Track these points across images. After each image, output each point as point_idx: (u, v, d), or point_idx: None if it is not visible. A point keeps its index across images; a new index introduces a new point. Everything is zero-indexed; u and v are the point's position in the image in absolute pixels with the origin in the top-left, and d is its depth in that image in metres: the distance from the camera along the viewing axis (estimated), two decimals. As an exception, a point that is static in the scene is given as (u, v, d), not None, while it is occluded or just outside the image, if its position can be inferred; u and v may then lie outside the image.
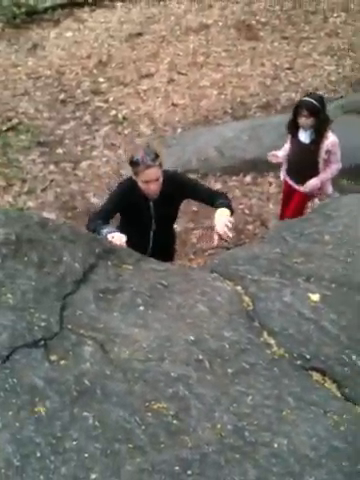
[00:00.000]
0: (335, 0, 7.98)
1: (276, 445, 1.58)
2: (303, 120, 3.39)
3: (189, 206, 4.22)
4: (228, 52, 7.14)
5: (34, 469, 1.47)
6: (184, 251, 4.14)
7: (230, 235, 2.45)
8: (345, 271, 2.13)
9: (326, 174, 3.52)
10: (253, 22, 7.66)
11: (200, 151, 5.29)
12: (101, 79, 6.61)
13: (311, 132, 3.44)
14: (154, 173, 2.65)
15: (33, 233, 2.11)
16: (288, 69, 6.73)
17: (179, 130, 5.81)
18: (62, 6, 8.04)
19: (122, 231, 2.64)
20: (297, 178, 3.67)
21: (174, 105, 6.21)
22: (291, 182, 3.76)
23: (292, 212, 3.65)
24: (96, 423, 1.58)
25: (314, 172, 3.51)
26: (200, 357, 1.81)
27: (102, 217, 2.70)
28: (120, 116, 5.93)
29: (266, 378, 1.76)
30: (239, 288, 2.11)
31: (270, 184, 4.99)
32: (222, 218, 2.54)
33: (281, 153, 3.70)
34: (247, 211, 4.68)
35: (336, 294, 2.03)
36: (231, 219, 2.55)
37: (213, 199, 2.77)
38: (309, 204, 3.99)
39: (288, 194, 3.85)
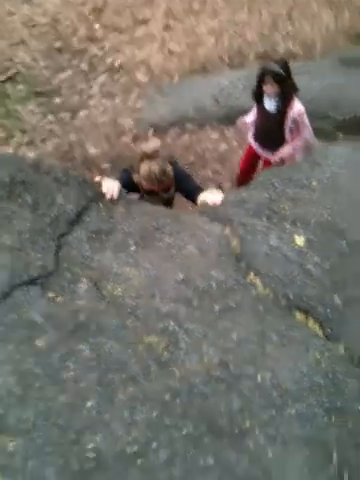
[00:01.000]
0: None
1: (260, 378, 1.68)
2: (268, 87, 3.21)
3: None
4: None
5: (34, 398, 1.57)
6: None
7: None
8: (330, 217, 2.20)
9: (295, 143, 3.38)
10: (252, -32, 7.42)
11: (197, 100, 5.25)
12: (97, 26, 6.44)
13: (276, 100, 3.28)
14: (165, 195, 2.61)
15: (26, 175, 2.15)
16: (286, 19, 6.58)
17: (176, 78, 5.74)
18: None
19: None
20: (263, 145, 3.55)
21: (170, 52, 6.10)
22: (258, 148, 3.63)
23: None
24: (92, 355, 1.68)
25: (280, 141, 3.40)
26: (189, 295, 1.90)
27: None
28: (116, 64, 5.84)
29: (251, 315, 1.85)
30: (227, 230, 2.18)
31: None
32: (214, 196, 2.48)
33: (249, 119, 3.57)
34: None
35: (321, 238, 2.10)
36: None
37: (194, 192, 2.70)
38: None
39: (252, 159, 3.74)
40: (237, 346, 1.76)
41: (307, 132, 3.36)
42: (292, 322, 1.86)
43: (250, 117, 3.56)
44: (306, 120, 3.33)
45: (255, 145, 3.64)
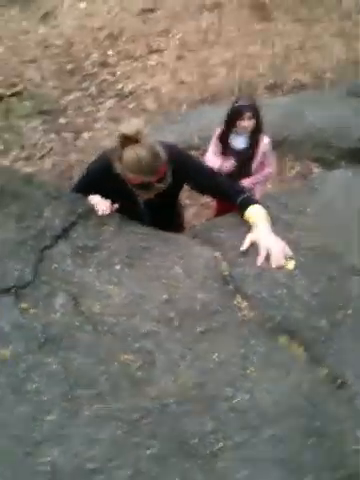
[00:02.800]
0: (350, -17, 7.86)
1: (237, 400, 1.61)
2: (245, 123, 3.18)
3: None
4: (240, 32, 7.07)
5: (-8, 406, 1.49)
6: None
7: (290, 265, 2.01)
8: (323, 242, 2.13)
9: (259, 177, 3.36)
10: (267, 2, 7.55)
11: (203, 128, 5.26)
12: (110, 52, 6.60)
13: (247, 136, 3.26)
14: (152, 193, 2.15)
15: (17, 187, 2.13)
16: (298, 50, 6.66)
17: (184, 107, 5.79)
18: (78, -23, 8.00)
19: None
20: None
21: (181, 82, 6.19)
22: None
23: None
24: (60, 369, 1.61)
25: (247, 176, 3.35)
26: (171, 315, 1.83)
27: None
28: (126, 90, 5.93)
29: (234, 338, 1.78)
30: (218, 253, 2.13)
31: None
32: (272, 244, 2.03)
33: (216, 164, 3.34)
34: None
35: (311, 263, 2.04)
36: (287, 249, 2.04)
37: (230, 195, 2.24)
38: None
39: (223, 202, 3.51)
40: (216, 368, 1.69)
41: (272, 164, 3.38)
42: (276, 345, 1.78)
43: (215, 162, 3.36)
44: (271, 155, 3.37)
45: None
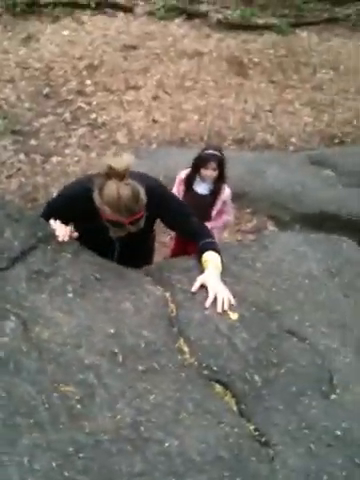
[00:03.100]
0: (327, 57, 8.36)
1: (167, 444, 1.66)
2: (209, 173, 3.42)
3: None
4: (216, 83, 7.40)
5: None
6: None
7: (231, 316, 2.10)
8: (266, 298, 2.27)
9: (218, 223, 3.56)
10: (245, 60, 7.96)
11: (169, 169, 5.42)
12: (88, 82, 6.74)
13: (210, 183, 3.49)
14: (123, 232, 2.16)
15: (-23, 208, 2.17)
16: (268, 111, 7.02)
17: (154, 145, 5.96)
18: (64, 4, 8.19)
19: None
20: None
21: (154, 121, 6.38)
22: None
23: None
24: (1, 394, 1.64)
25: (206, 221, 3.46)
26: (115, 350, 1.90)
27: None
28: (99, 120, 6.07)
29: (172, 381, 1.86)
30: (168, 294, 2.22)
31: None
32: (220, 290, 2.14)
33: None
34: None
35: (253, 317, 2.16)
36: (231, 298, 2.15)
37: (196, 236, 2.35)
38: None
39: (180, 238, 3.65)
40: (152, 409, 1.76)
41: (231, 213, 3.62)
42: (210, 393, 1.87)
43: None
44: (231, 204, 3.62)
45: None
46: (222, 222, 3.64)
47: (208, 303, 2.13)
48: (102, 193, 2.05)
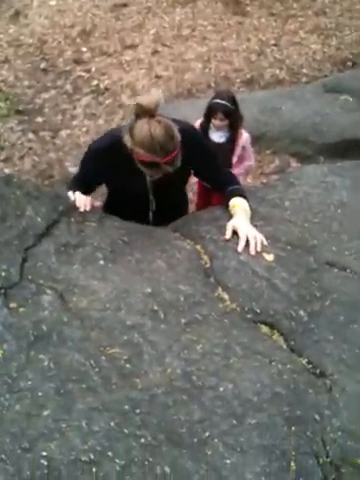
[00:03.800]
0: (325, -22, 7.96)
1: (222, 389, 1.67)
2: (218, 122, 3.35)
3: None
4: (214, 26, 7.11)
5: (-13, 406, 1.53)
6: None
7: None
8: (300, 234, 2.22)
9: (240, 170, 3.48)
10: (241, -4, 7.63)
11: (180, 123, 5.33)
12: (84, 49, 6.57)
13: (226, 131, 3.41)
14: (159, 173, 2.05)
15: (-4, 188, 2.15)
16: (274, 45, 6.75)
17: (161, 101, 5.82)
18: (47, -26, 7.92)
19: (108, 206, 2.36)
20: None
21: (157, 77, 6.22)
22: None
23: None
24: (51, 365, 1.65)
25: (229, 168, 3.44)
26: (155, 308, 1.89)
27: (79, 187, 2.27)
28: (102, 86, 5.94)
29: (216, 329, 1.85)
30: (199, 247, 2.19)
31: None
32: (251, 232, 2.12)
33: None
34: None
35: (290, 255, 2.12)
36: (263, 239, 2.13)
37: (224, 184, 2.30)
38: None
39: (203, 192, 3.67)
40: (201, 358, 1.75)
41: (252, 157, 3.54)
42: (257, 335, 1.86)
43: None
44: (251, 149, 3.55)
45: None
46: (243, 168, 3.58)
47: (241, 247, 2.10)
48: (133, 133, 1.93)
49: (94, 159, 2.23)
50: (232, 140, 3.43)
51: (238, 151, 3.46)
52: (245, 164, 3.56)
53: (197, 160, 2.21)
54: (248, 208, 2.23)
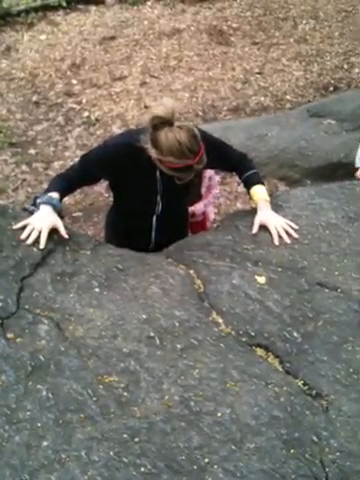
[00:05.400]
0: (304, 8, 8.18)
1: (219, 414, 1.68)
2: None
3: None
4: (200, 56, 7.28)
5: (-11, 439, 1.53)
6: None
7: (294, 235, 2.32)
8: (291, 256, 2.25)
9: (209, 199, 3.51)
10: (225, 27, 7.82)
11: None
12: (74, 81, 6.70)
13: None
14: (191, 174, 2.10)
15: (-8, 220, 2.19)
16: (258, 74, 6.91)
17: (150, 131, 5.91)
18: (36, 9, 8.08)
19: (113, 213, 2.46)
20: None
21: (146, 107, 6.33)
22: None
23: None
24: (49, 395, 1.67)
25: (197, 198, 3.45)
26: (151, 334, 1.91)
27: (65, 182, 2.21)
28: (93, 117, 6.03)
29: (212, 353, 1.87)
30: (192, 272, 2.22)
31: (238, 184, 5.14)
32: (279, 224, 2.34)
33: None
34: (215, 210, 4.81)
35: (281, 277, 2.15)
36: (292, 224, 2.37)
37: (239, 168, 2.42)
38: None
39: None
40: (198, 384, 1.77)
41: (216, 191, 3.57)
42: (253, 358, 1.87)
43: None
44: (216, 178, 3.57)
45: None
46: (212, 197, 3.58)
47: (276, 241, 2.29)
48: (159, 145, 1.97)
49: (107, 158, 2.20)
50: (198, 174, 3.44)
51: (206, 182, 3.47)
52: (213, 192, 3.56)
53: (211, 154, 2.16)
54: (267, 196, 2.40)
